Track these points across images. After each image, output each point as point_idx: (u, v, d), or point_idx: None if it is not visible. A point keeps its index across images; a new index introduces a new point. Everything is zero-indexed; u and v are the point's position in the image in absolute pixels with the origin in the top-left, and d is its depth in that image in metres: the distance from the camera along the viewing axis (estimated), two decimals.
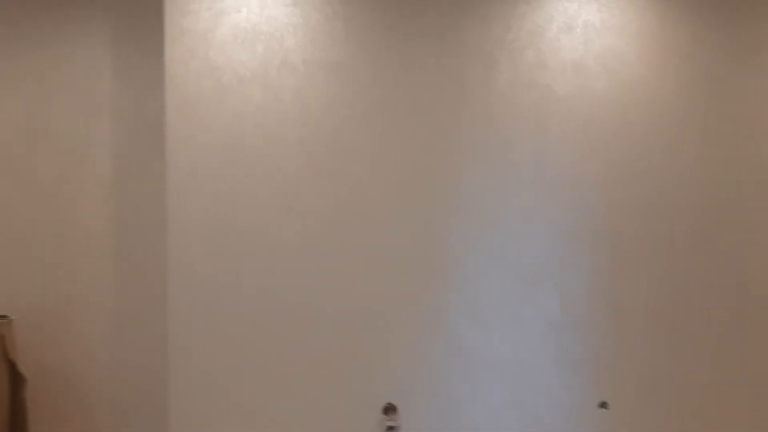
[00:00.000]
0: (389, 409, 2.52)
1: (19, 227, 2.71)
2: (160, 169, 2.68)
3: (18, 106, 2.69)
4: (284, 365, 2.53)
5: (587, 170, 2.65)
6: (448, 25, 2.58)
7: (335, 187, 2.53)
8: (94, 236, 2.74)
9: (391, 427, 2.51)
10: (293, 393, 2.52)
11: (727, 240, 2.72)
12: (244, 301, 2.52)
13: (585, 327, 2.65)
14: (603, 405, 2.64)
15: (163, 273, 2.65)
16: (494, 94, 2.60)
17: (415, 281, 2.58)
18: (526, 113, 2.62)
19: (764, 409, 2.76)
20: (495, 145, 2.60)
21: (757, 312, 2.74)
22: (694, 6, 2.71)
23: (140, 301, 2.76)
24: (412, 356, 2.57)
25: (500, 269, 2.60)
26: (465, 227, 2.59)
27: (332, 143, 2.53)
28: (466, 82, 2.58)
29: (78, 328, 2.74)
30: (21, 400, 2.50)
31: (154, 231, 2.74)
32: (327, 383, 2.53)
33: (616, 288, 2.66)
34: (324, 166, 2.52)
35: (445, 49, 2.57)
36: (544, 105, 2.62)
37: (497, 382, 2.60)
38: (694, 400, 2.70)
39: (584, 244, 2.64)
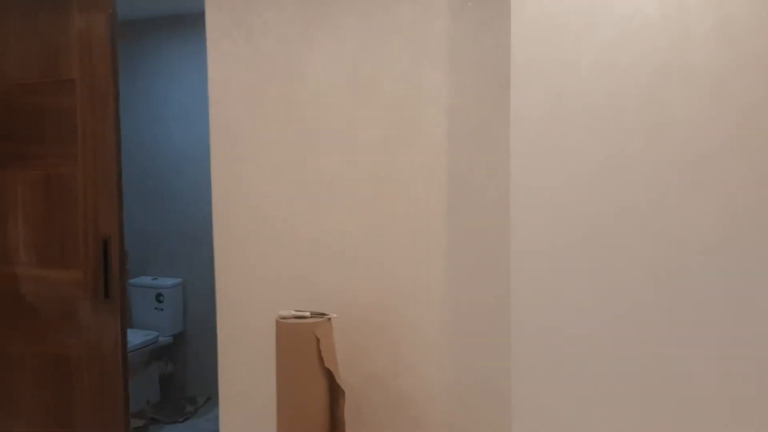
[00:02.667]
0: None
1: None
2: (501, 132, 2.02)
3: (340, 55, 2.31)
4: (656, 407, 1.67)
5: None
6: None
7: None
8: (423, 216, 2.22)
9: None
10: None
11: None
12: (609, 318, 1.72)
13: None
14: None
15: (507, 266, 1.99)
16: None
17: None
18: None
19: None
20: None
21: None
22: None
23: (480, 298, 2.16)
24: None
25: None
26: None
27: None
28: None
29: (410, 330, 2.26)
30: (338, 417, 2.09)
31: (495, 212, 2.09)
32: None
33: None
34: None
35: None
36: None
37: None
38: None
39: None
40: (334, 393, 2.09)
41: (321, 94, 2.31)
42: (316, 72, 2.32)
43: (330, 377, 2.07)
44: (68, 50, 2.65)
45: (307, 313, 2.13)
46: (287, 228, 2.39)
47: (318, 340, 2.04)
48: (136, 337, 3.85)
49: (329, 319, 2.11)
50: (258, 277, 2.44)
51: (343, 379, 2.13)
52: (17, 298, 2.83)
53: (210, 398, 4.15)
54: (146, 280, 4.21)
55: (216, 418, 2.75)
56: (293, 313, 2.13)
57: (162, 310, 4.12)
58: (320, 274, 2.35)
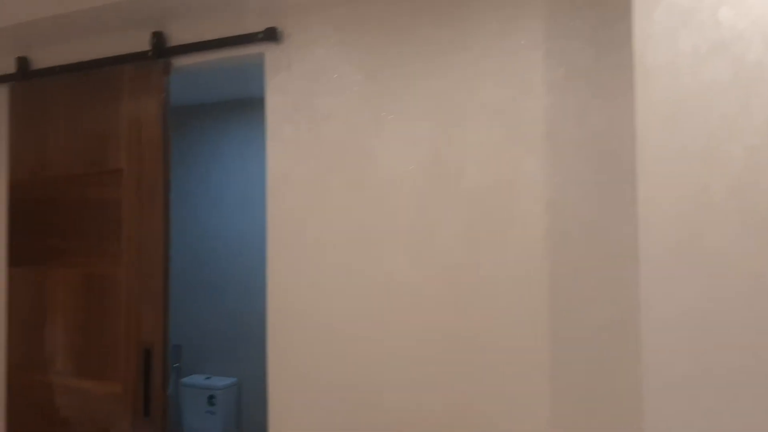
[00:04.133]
0: None
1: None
2: (618, 233, 1.64)
3: (414, 140, 1.99)
4: None
5: None
6: None
7: None
8: (518, 332, 1.82)
9: None
10: None
11: None
12: None
13: None
14: None
15: (633, 405, 1.57)
16: None
17: None
18: None
19: None
20: None
21: None
22: None
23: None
24: None
25: None
26: None
27: None
28: None
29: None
30: None
31: (612, 333, 1.69)
32: None
33: None
34: None
35: None
36: None
37: None
38: None
39: None
40: None
41: (390, 183, 2.00)
42: (385, 159, 2.01)
43: None
44: (117, 138, 2.44)
45: None
46: (348, 336, 2.04)
47: None
48: None
49: None
50: (314, 386, 2.08)
51: None
52: (51, 410, 2.54)
53: None
54: (198, 379, 3.89)
55: None
56: None
57: (214, 413, 3.78)
58: (386, 393, 1.96)
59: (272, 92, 2.21)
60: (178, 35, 2.40)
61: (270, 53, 2.22)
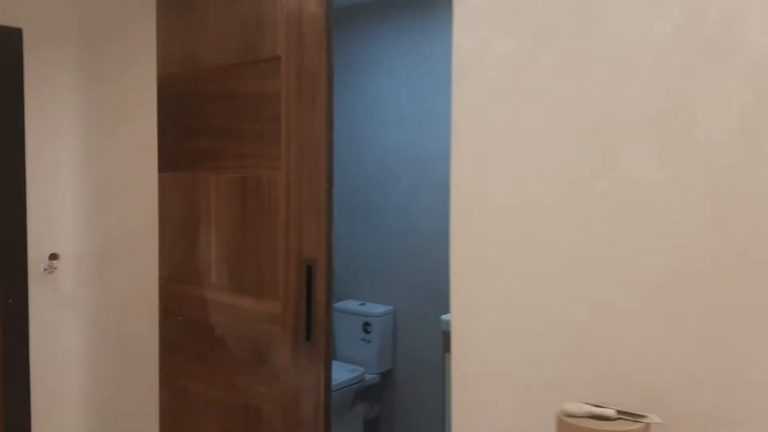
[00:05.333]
0: None
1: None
2: None
3: None
4: None
5: None
6: None
7: None
8: None
9: None
10: None
11: None
12: None
13: None
14: None
15: None
16: None
17: None
18: None
19: None
20: None
21: None
22: None
23: None
24: None
25: None
26: None
27: None
28: None
29: None
30: None
31: None
32: None
33: None
34: None
35: None
36: None
37: None
38: None
39: None
40: None
41: (626, 58, 1.50)
42: (618, 23, 1.51)
43: None
44: (273, 23, 2.10)
45: (611, 411, 1.33)
46: (562, 263, 1.60)
47: None
48: (339, 373, 3.29)
49: (648, 426, 1.29)
50: (512, 319, 1.69)
51: None
52: (206, 328, 2.35)
53: None
54: (352, 304, 3.65)
55: None
56: (587, 409, 1.34)
57: (370, 342, 3.53)
58: (617, 336, 1.53)
59: None
60: None
61: None
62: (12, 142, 2.40)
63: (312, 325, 2.05)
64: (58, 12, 2.49)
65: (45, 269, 2.53)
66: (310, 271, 2.04)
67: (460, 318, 1.79)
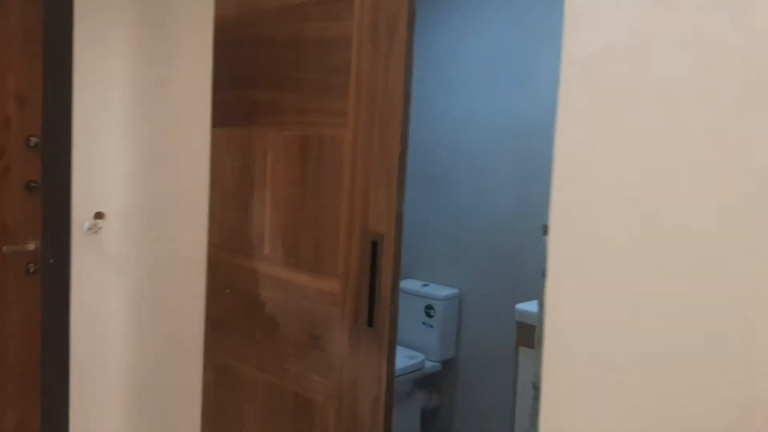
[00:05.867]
0: None
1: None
2: None
3: None
4: None
5: None
6: None
7: None
8: None
9: None
10: None
11: None
12: None
13: None
14: None
15: None
16: None
17: None
18: None
19: None
20: None
21: None
22: None
23: None
24: None
25: None
26: None
27: None
28: None
29: None
30: None
31: None
32: None
33: None
34: None
35: None
36: None
37: None
38: None
39: None
40: None
41: None
42: None
43: None
44: None
45: None
46: (701, 260, 1.27)
47: None
48: (398, 360, 3.02)
49: None
50: (624, 331, 1.37)
51: None
52: (256, 304, 2.11)
53: None
54: (414, 284, 3.36)
55: None
56: None
57: (432, 326, 3.24)
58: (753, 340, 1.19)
59: None
60: None
61: None
62: (60, 86, 2.18)
63: (375, 310, 1.77)
64: None
65: (89, 228, 2.33)
66: (375, 247, 1.75)
67: (557, 318, 1.47)
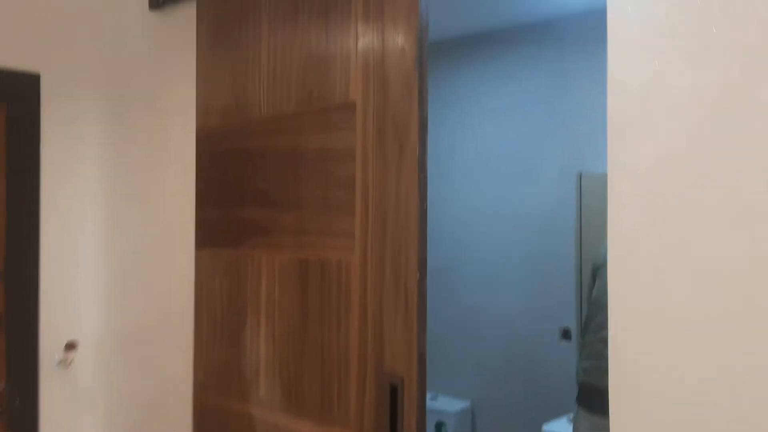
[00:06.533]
0: None
1: None
2: None
3: None
4: None
5: None
6: None
7: None
8: None
9: None
10: None
11: None
12: None
13: None
14: None
15: None
16: None
17: None
18: None
19: None
20: None
21: None
22: None
23: None
24: None
25: None
26: None
27: None
28: None
29: None
30: None
31: None
32: None
33: None
34: None
35: None
36: None
37: None
38: None
39: None
40: None
41: None
42: None
43: None
44: (347, 63, 1.62)
45: None
46: None
47: None
48: None
49: None
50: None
51: None
52: None
53: None
54: None
55: None
56: None
57: None
58: None
59: None
60: None
61: None
62: (25, 205, 1.94)
63: None
64: (81, 55, 2.06)
65: (60, 362, 2.05)
66: (394, 392, 1.49)
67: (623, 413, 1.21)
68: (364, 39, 1.58)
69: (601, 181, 2.75)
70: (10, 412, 1.98)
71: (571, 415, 2.21)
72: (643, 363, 1.19)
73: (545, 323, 2.73)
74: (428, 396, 3.10)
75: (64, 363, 2.05)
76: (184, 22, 2.05)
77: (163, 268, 2.15)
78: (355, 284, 1.58)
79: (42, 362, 2.00)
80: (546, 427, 2.45)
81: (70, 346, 2.07)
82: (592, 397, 2.10)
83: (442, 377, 3.12)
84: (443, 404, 2.99)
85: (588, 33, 2.84)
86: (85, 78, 2.07)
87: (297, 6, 1.72)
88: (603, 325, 2.21)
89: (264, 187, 1.80)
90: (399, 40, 1.51)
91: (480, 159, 3.02)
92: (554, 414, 2.49)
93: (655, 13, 1.20)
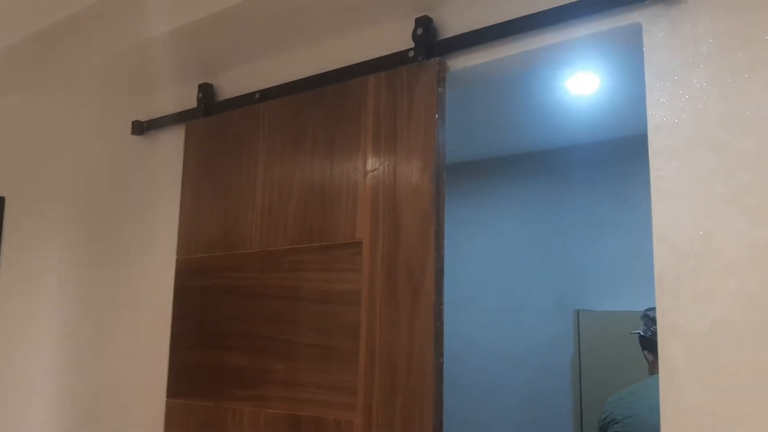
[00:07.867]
0: None
1: None
2: None
3: None
4: None
5: None
6: None
7: None
8: None
9: None
10: None
11: None
12: None
13: None
14: None
15: None
16: None
17: None
18: None
19: None
20: None
21: None
22: None
23: None
24: None
25: None
26: None
27: None
28: None
29: None
30: None
31: None
32: None
33: None
34: None
35: None
36: None
37: None
38: None
39: None
40: None
41: None
42: None
43: None
44: (353, 197, 1.50)
45: None
46: None
47: None
48: None
49: None
50: None
51: None
52: None
53: None
54: None
55: None
56: None
57: None
58: None
59: (653, 74, 1.19)
60: (450, 22, 1.48)
61: (652, 18, 1.21)
62: None
63: None
64: (51, 181, 1.91)
65: None
66: None
67: None
68: (374, 174, 1.46)
69: (600, 320, 2.63)
70: None
71: None
72: None
73: None
74: None
75: None
76: (168, 148, 1.92)
77: (127, 419, 1.89)
78: None
79: None
80: None
81: None
82: None
83: None
84: None
85: (587, 166, 2.81)
86: (55, 203, 1.91)
87: (298, 138, 1.61)
88: None
89: (250, 330, 1.61)
90: (414, 175, 1.40)
91: (471, 291, 2.89)
92: None
93: (705, 164, 1.12)
